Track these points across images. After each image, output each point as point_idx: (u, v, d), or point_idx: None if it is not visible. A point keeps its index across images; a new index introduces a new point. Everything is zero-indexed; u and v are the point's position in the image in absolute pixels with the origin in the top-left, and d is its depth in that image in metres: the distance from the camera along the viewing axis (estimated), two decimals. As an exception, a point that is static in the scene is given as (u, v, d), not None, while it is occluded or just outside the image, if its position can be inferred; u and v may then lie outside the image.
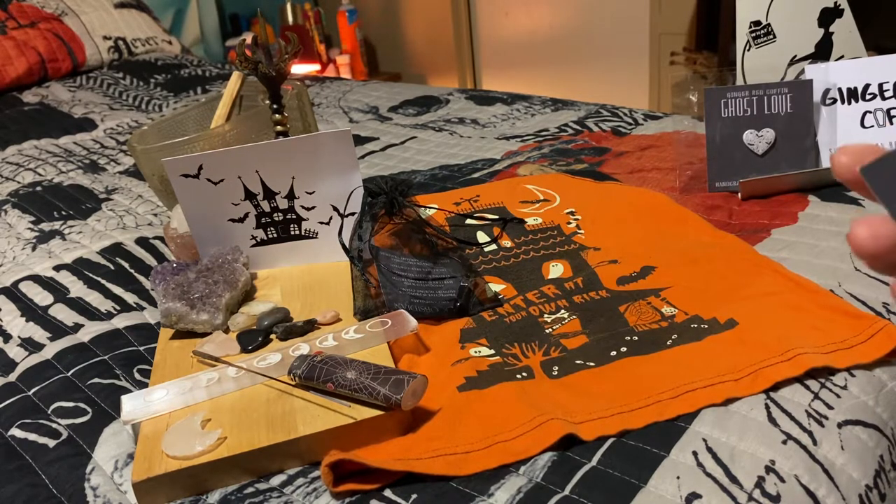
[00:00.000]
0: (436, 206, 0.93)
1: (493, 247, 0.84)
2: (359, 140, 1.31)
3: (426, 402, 0.59)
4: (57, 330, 0.78)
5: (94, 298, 0.83)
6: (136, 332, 0.77)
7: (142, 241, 0.96)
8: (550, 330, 0.69)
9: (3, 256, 0.96)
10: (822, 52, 0.98)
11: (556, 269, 0.79)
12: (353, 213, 0.80)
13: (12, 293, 0.86)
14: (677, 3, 2.32)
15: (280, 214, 0.81)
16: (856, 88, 0.91)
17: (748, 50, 0.98)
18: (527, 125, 1.31)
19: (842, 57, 0.98)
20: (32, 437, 0.63)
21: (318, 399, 0.58)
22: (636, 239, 0.83)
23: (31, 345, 0.77)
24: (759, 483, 0.50)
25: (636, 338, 0.66)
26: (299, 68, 2.83)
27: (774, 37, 0.98)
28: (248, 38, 1.35)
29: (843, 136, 0.91)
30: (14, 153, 1.32)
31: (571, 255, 0.82)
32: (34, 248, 0.97)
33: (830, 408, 0.56)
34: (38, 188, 1.16)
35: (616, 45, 2.55)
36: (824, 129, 0.91)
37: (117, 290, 0.85)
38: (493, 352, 0.66)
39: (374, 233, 0.75)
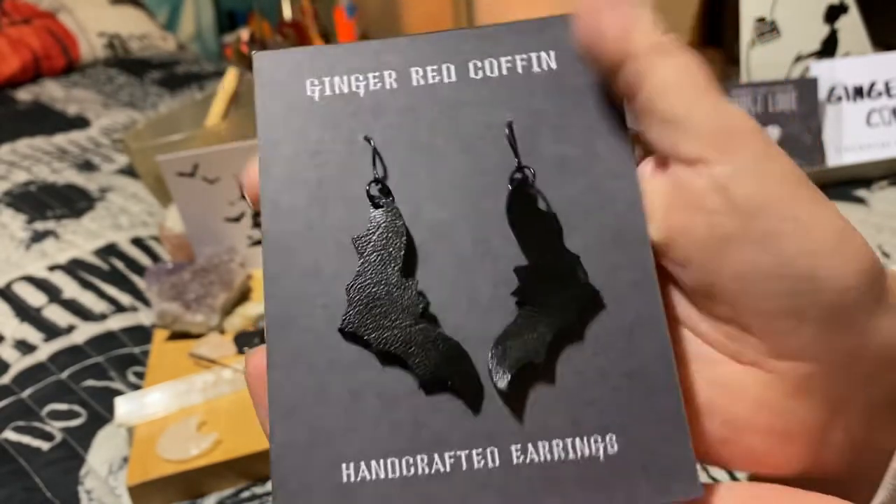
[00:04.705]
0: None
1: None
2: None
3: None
4: (51, 331, 0.77)
5: (88, 299, 0.82)
6: (131, 333, 0.76)
7: (136, 241, 0.95)
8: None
9: (-4, 256, 0.95)
10: (828, 48, 0.98)
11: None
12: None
13: (5, 294, 0.85)
14: (680, -1, 2.31)
15: (277, 213, 0.80)
16: (862, 86, 0.91)
17: (753, 46, 0.97)
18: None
19: (848, 54, 0.97)
20: (26, 439, 0.63)
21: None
22: None
23: (24, 346, 0.76)
24: None
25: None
26: (296, 65, 2.81)
27: (779, 33, 0.97)
28: (244, 34, 1.33)
29: (848, 135, 0.90)
30: (7, 152, 1.30)
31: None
32: (28, 248, 0.95)
33: None
34: (32, 187, 1.15)
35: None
36: (830, 127, 0.90)
37: (111, 291, 0.84)
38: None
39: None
